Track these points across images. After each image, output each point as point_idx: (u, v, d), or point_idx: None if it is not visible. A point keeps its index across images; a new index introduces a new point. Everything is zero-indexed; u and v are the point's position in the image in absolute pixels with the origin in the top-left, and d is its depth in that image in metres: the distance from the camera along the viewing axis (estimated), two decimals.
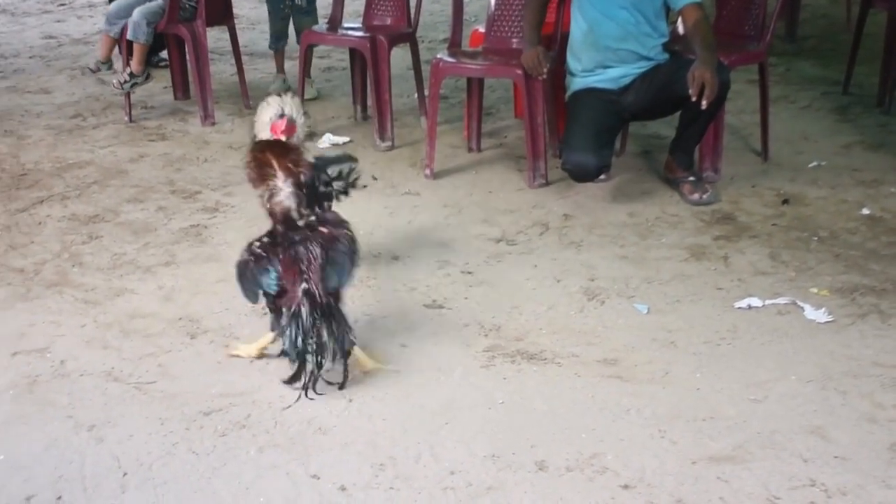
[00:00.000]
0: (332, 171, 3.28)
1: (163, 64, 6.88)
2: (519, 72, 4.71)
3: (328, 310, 3.01)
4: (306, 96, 6.18)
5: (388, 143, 5.40)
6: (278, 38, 6.42)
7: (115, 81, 6.02)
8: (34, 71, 7.06)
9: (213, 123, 5.84)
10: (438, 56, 5.07)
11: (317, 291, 3.00)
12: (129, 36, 5.84)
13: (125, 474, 2.74)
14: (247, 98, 6.17)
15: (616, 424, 2.96)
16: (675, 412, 3.01)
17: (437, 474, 2.74)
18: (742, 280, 3.86)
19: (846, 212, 4.48)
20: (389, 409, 3.05)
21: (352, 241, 3.15)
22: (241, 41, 6.35)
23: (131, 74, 5.96)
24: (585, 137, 4.44)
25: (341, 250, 3.10)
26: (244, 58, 6.37)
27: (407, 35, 5.64)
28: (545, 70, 4.63)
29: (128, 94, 5.87)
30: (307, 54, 5.75)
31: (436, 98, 5.02)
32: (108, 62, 6.33)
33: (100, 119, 5.92)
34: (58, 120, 5.92)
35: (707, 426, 2.94)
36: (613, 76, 4.58)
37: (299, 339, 2.97)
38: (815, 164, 5.07)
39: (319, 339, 2.97)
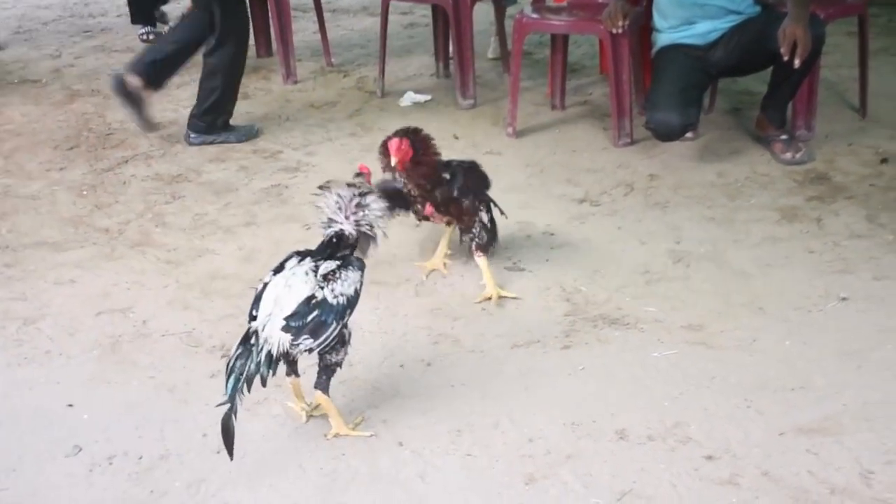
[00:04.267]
0: None
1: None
2: (603, 27, 4.58)
3: None
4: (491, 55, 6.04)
5: (471, 101, 5.32)
6: None
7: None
8: (121, 30, 7.12)
9: (296, 82, 5.82)
10: (522, 11, 4.96)
11: None
12: None
13: (205, 435, 2.75)
14: (329, 56, 6.13)
15: (700, 393, 2.87)
16: (762, 381, 2.92)
17: (516, 441, 2.70)
18: (836, 244, 3.71)
19: None
20: (468, 374, 3.01)
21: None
22: None
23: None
24: (670, 95, 4.32)
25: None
26: (326, 14, 6.33)
27: None
28: (621, 24, 4.50)
29: None
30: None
31: (519, 55, 4.91)
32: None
33: (183, 78, 5.91)
34: None
35: (796, 396, 2.84)
36: (701, 32, 4.42)
37: None
38: None
39: None
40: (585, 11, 4.89)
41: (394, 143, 3.24)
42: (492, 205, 3.56)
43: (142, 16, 6.87)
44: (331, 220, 2.72)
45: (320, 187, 2.76)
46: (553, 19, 4.95)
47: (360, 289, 2.68)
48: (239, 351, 2.54)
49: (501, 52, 5.76)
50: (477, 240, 3.44)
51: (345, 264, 2.66)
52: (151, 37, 6.75)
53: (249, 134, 5.02)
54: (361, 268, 2.70)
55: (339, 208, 2.70)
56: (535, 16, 4.93)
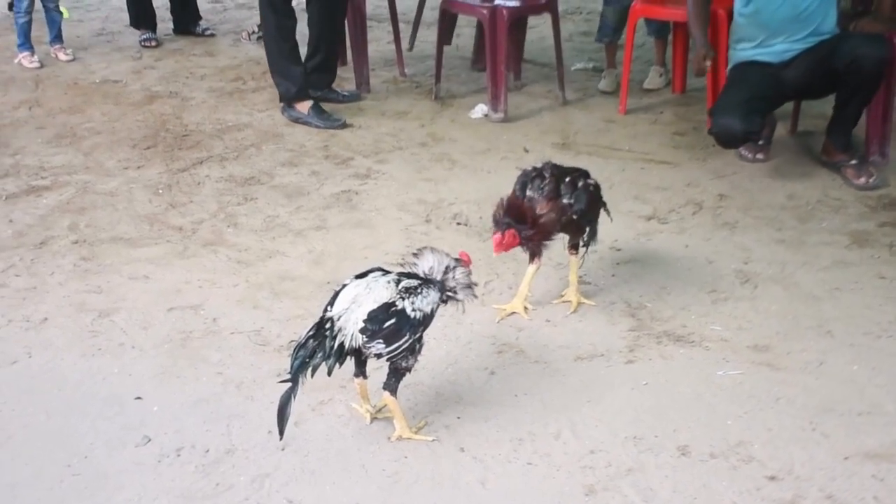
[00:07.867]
0: None
1: (208, 33, 7.13)
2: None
3: None
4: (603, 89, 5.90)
5: (501, 115, 5.29)
6: (613, 29, 5.71)
7: (244, 33, 7.03)
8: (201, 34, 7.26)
9: (369, 91, 5.89)
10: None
11: None
12: None
13: (270, 432, 2.80)
14: (402, 66, 6.20)
15: (765, 413, 2.86)
16: (828, 404, 2.89)
17: (577, 452, 2.71)
18: None
19: None
20: (531, 384, 3.03)
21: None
22: (399, 8, 6.37)
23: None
24: (736, 103, 4.32)
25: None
26: (401, 25, 6.40)
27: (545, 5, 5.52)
28: (707, 66, 4.53)
29: None
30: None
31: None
32: None
33: (259, 83, 6.05)
34: (219, 83, 6.08)
35: (863, 421, 2.81)
36: (777, 50, 4.43)
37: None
38: None
39: None
40: None
41: (496, 240, 3.14)
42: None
43: (144, 20, 6.92)
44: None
45: (414, 254, 2.81)
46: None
47: (436, 310, 2.74)
48: (311, 332, 2.62)
49: (558, 71, 5.75)
50: (580, 243, 3.43)
51: (426, 283, 2.73)
52: (153, 43, 6.83)
53: (331, 121, 5.29)
54: (441, 291, 2.76)
55: (431, 270, 2.76)
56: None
